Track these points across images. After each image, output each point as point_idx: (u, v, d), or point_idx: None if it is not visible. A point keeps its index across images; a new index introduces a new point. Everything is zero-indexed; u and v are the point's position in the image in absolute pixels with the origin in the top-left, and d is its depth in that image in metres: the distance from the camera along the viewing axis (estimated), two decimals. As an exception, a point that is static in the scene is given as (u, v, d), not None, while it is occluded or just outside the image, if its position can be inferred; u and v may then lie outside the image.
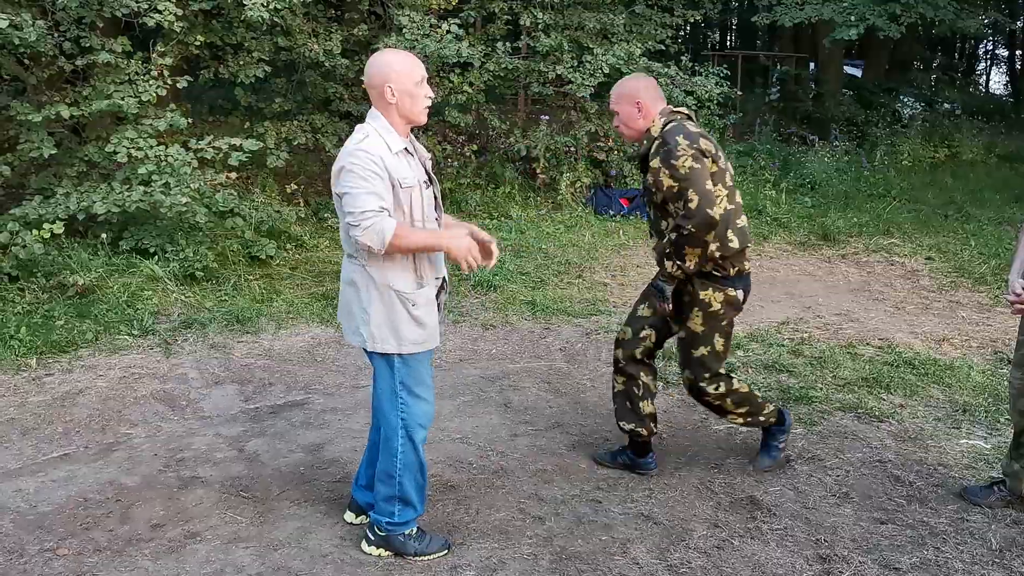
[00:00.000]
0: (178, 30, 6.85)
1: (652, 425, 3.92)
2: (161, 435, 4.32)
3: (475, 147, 10.17)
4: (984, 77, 37.29)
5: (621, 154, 10.47)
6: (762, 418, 3.94)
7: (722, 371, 3.80)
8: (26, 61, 6.98)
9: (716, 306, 3.67)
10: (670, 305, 3.66)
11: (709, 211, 3.43)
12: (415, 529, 3.31)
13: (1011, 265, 3.59)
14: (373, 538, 3.30)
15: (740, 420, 3.92)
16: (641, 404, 3.89)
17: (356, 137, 3.03)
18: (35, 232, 6.04)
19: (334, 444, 4.24)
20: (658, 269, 3.69)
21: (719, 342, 3.73)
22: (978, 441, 4.39)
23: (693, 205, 3.43)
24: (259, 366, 5.26)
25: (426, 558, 3.26)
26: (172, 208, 6.41)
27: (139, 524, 3.49)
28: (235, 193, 7.35)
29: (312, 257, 7.63)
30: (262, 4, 6.96)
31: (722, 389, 3.78)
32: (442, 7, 9.05)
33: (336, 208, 3.09)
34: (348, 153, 2.98)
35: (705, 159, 3.49)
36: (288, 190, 8.76)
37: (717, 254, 3.57)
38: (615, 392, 3.96)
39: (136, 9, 6.63)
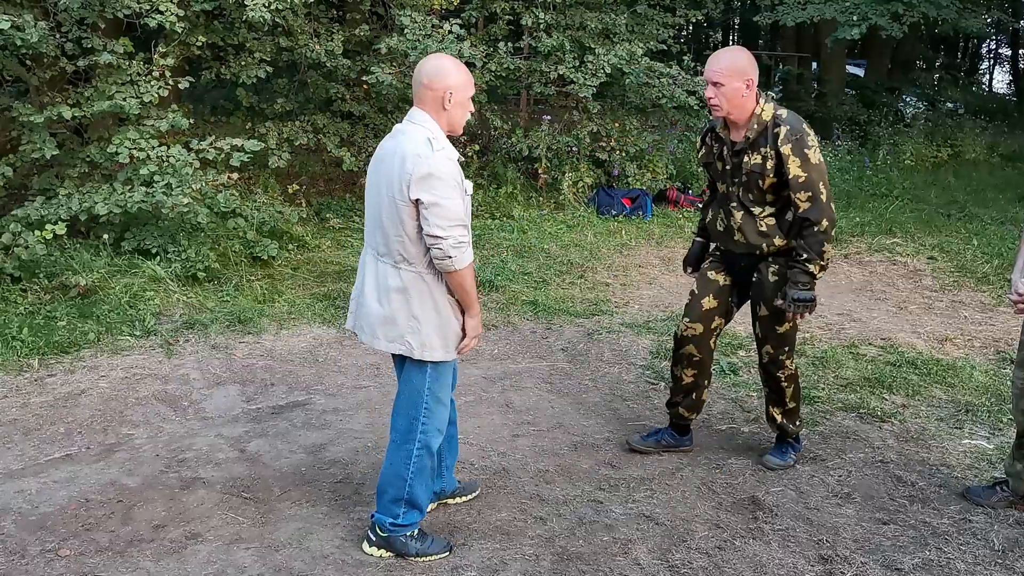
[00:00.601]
0: (180, 31, 6.85)
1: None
2: (163, 436, 4.32)
3: (477, 147, 10.17)
4: (987, 76, 37.27)
5: (623, 154, 10.47)
6: (798, 422, 4.07)
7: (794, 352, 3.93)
8: (28, 62, 6.98)
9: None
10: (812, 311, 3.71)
11: (833, 206, 3.60)
12: (417, 530, 3.31)
13: (1014, 265, 3.59)
14: (375, 539, 3.30)
15: (780, 413, 3.99)
16: (704, 393, 4.13)
17: (434, 142, 2.99)
18: (37, 233, 6.05)
19: (336, 445, 4.24)
20: (749, 245, 3.76)
21: (797, 320, 3.79)
22: (981, 441, 4.39)
23: (824, 199, 3.55)
24: (261, 367, 5.26)
25: (427, 559, 3.26)
26: (174, 209, 6.41)
27: (141, 525, 3.49)
28: (237, 194, 7.36)
29: (314, 258, 7.63)
30: (264, 4, 6.96)
31: (794, 369, 3.91)
32: (444, 7, 9.05)
33: (393, 210, 3.00)
34: (434, 159, 2.95)
35: None
36: (290, 190, 8.76)
37: None
38: (682, 385, 4.07)
39: (138, 10, 6.64)
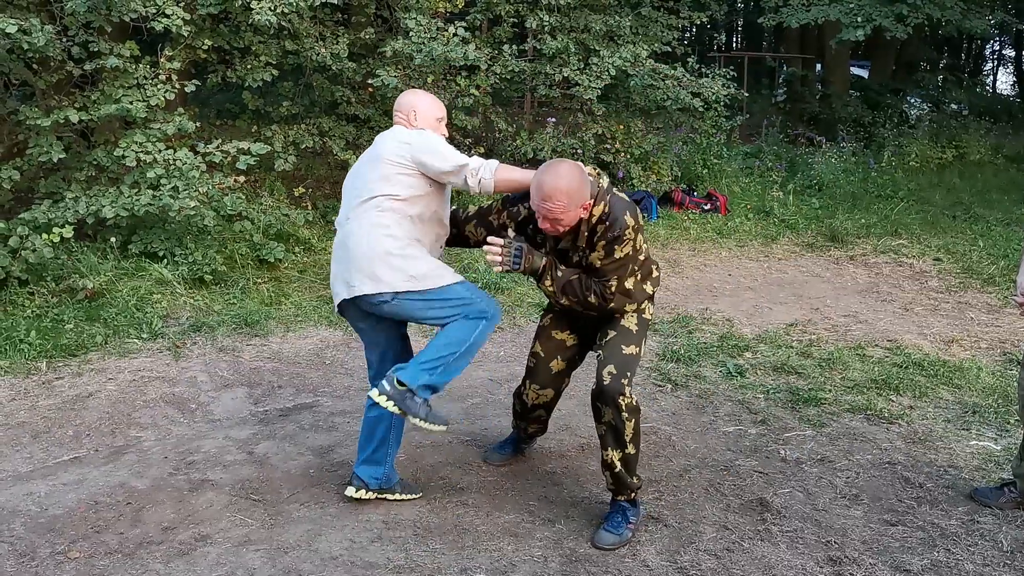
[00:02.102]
0: (186, 34, 6.87)
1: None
2: (171, 438, 4.33)
3: (482, 149, 10.17)
4: (991, 77, 37.23)
5: (628, 156, 10.47)
6: (636, 477, 3.51)
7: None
8: (35, 66, 7.01)
9: (648, 314, 3.62)
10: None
11: (619, 291, 3.50)
12: (429, 399, 3.42)
13: (1019, 266, 3.58)
14: (389, 389, 3.33)
15: (619, 458, 3.41)
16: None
17: (417, 129, 3.49)
18: (44, 236, 6.07)
19: (343, 447, 4.24)
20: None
21: (643, 349, 3.57)
22: (988, 442, 4.38)
23: (613, 285, 3.43)
24: (268, 369, 5.27)
25: (427, 425, 3.35)
26: (181, 212, 6.43)
27: (150, 527, 3.50)
28: (243, 196, 7.37)
29: (320, 260, 7.64)
30: (269, 8, 6.98)
31: (635, 402, 3.40)
32: (448, 10, 9.06)
33: (384, 171, 3.35)
34: (416, 132, 3.43)
35: None
36: (296, 193, 8.77)
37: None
38: (527, 433, 4.05)
39: (144, 14, 6.66)
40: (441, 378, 3.39)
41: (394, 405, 3.32)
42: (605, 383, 3.38)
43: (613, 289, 3.38)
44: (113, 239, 6.74)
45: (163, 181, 6.54)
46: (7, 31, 5.91)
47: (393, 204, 3.33)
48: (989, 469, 4.09)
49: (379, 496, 3.67)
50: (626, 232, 3.28)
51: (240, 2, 7.01)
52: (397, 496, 3.68)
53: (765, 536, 3.49)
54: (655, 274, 3.64)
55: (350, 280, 3.37)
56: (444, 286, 3.39)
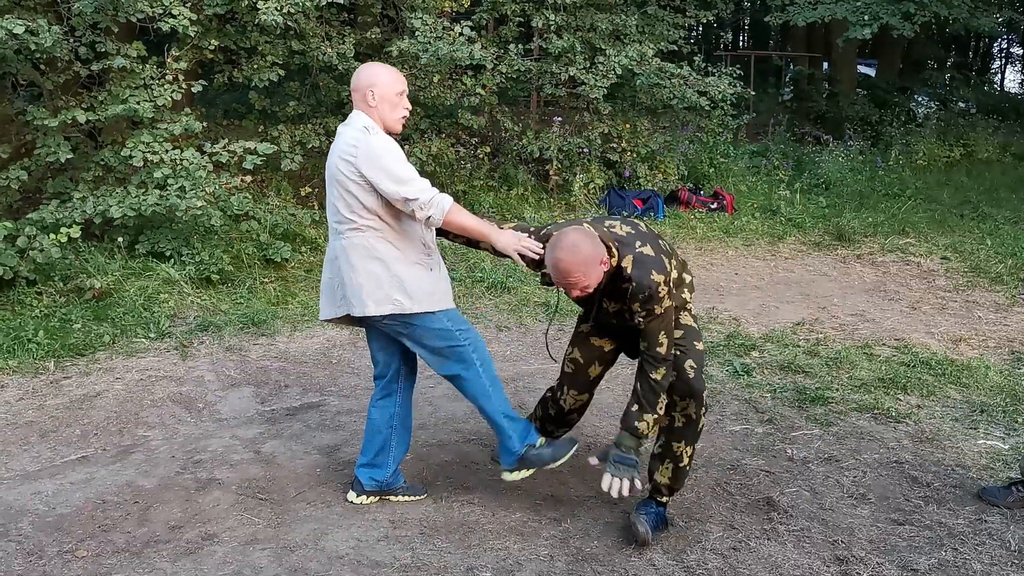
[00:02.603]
0: (192, 34, 6.89)
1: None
2: (178, 437, 4.35)
3: (488, 149, 10.18)
4: (999, 75, 37.10)
5: (634, 155, 10.47)
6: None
7: None
8: (42, 66, 7.04)
9: (693, 312, 3.67)
10: None
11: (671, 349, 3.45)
12: (540, 439, 3.49)
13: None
14: (511, 461, 3.46)
15: (690, 454, 3.50)
16: None
17: (363, 127, 3.27)
18: (52, 236, 6.09)
19: (350, 446, 4.25)
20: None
21: (703, 344, 3.63)
22: (996, 441, 4.37)
23: (664, 349, 3.37)
24: (275, 368, 5.28)
25: (559, 463, 3.45)
26: (187, 211, 6.45)
27: (157, 526, 3.51)
28: (250, 196, 7.39)
29: (326, 260, 7.65)
30: (276, 8, 7.00)
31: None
32: (454, 10, 9.07)
33: (339, 192, 3.28)
34: (369, 139, 3.22)
35: None
36: (303, 193, 8.79)
37: None
38: (553, 437, 3.90)
39: (151, 14, 6.68)
40: (515, 429, 3.46)
41: (526, 471, 3.47)
42: (691, 378, 3.39)
43: (664, 353, 3.28)
44: (120, 239, 6.77)
45: (170, 181, 6.57)
46: (15, 32, 5.94)
47: (363, 231, 3.28)
48: (997, 468, 4.08)
49: (382, 498, 3.68)
50: (659, 291, 3.22)
51: (246, 2, 7.03)
52: (400, 498, 3.69)
53: (772, 535, 3.49)
54: (688, 279, 3.59)
55: (336, 301, 3.41)
56: (428, 313, 3.34)
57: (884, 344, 5.83)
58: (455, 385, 3.50)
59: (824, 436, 4.40)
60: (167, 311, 6.08)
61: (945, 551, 3.38)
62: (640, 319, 3.27)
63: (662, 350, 3.27)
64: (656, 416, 3.30)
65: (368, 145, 3.21)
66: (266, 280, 6.89)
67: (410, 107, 3.45)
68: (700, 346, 3.49)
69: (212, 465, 4.04)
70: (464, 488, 3.84)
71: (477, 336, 3.49)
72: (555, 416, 3.85)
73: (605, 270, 3.21)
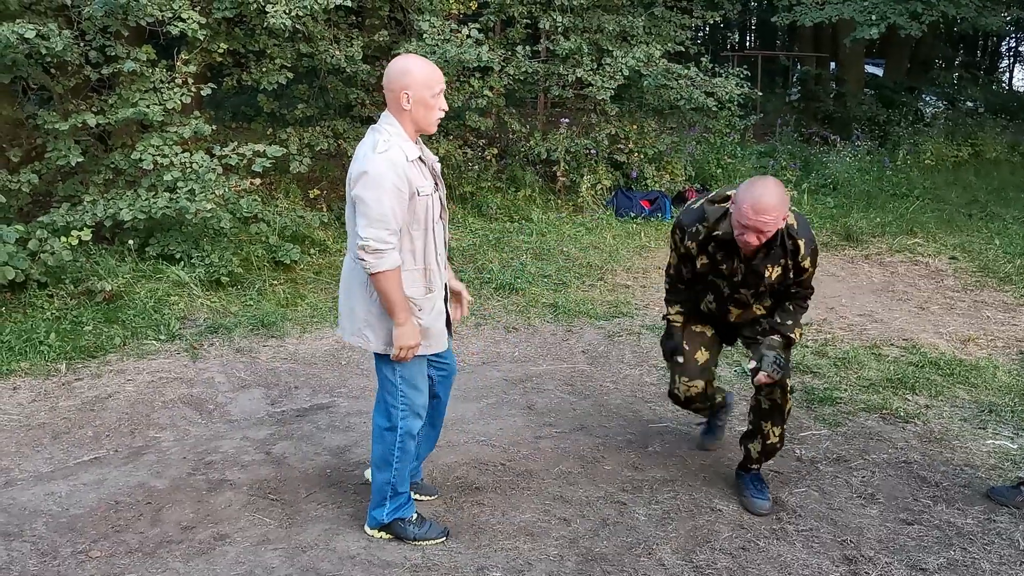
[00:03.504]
0: (201, 38, 6.92)
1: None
2: (189, 438, 4.37)
3: (495, 150, 10.20)
4: (1007, 74, 36.96)
5: (641, 156, 10.47)
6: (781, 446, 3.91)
7: None
8: (52, 70, 7.07)
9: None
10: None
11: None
12: (415, 515, 3.43)
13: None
14: (374, 524, 3.44)
15: (779, 431, 3.72)
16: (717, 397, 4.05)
17: (378, 144, 3.05)
18: (63, 239, 6.13)
19: (360, 447, 4.27)
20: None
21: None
22: (1004, 441, 4.37)
23: (809, 295, 3.71)
24: (284, 370, 5.31)
25: (425, 543, 3.38)
26: (197, 214, 6.48)
27: (169, 526, 3.54)
28: (259, 199, 7.42)
29: (335, 261, 7.67)
30: (284, 11, 7.02)
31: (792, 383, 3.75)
32: (462, 12, 9.09)
33: (347, 208, 3.16)
34: (371, 160, 3.02)
35: None
36: (311, 195, 8.82)
37: None
38: (702, 413, 4.11)
39: (160, 18, 6.71)
40: (393, 504, 3.39)
41: (387, 534, 3.44)
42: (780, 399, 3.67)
43: (808, 297, 3.71)
44: (131, 241, 6.80)
45: (180, 184, 6.60)
46: (26, 36, 5.98)
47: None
48: (1006, 468, 4.08)
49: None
50: (815, 241, 3.58)
51: (255, 5, 7.06)
52: (413, 495, 3.70)
53: (781, 535, 3.50)
54: None
55: (341, 320, 3.37)
56: (384, 356, 3.23)
57: (892, 344, 5.83)
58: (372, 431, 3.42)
59: (833, 436, 4.40)
60: (177, 313, 6.12)
61: (954, 551, 3.38)
62: (807, 275, 3.58)
63: (810, 293, 3.68)
64: (802, 331, 3.68)
65: (365, 164, 3.01)
66: (275, 282, 6.92)
67: (446, 107, 3.21)
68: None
69: (223, 466, 4.06)
70: (474, 488, 3.86)
71: (419, 404, 3.32)
72: (684, 406, 3.94)
73: (782, 226, 3.38)
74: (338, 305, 3.39)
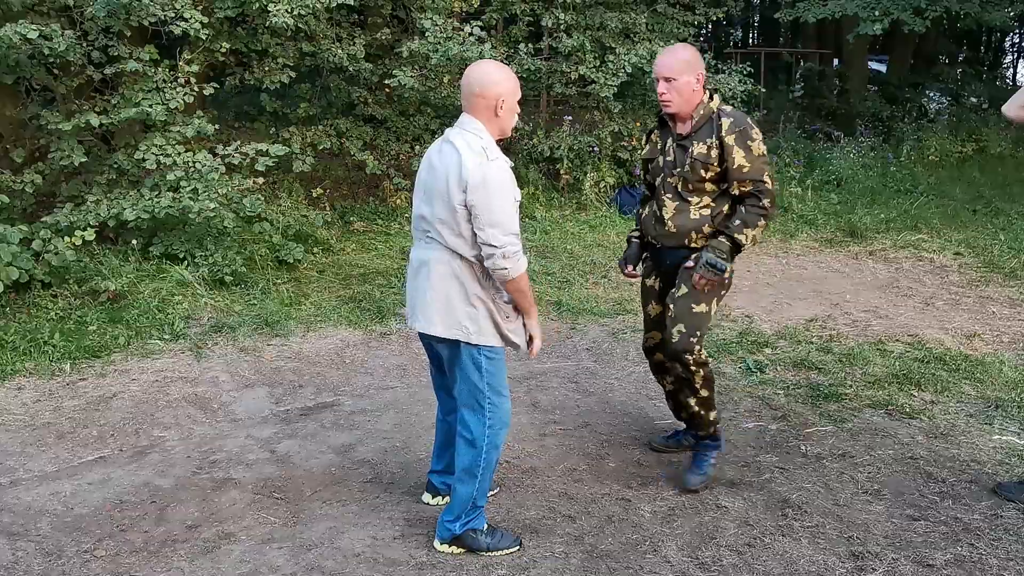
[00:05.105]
0: (204, 37, 6.92)
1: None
2: (194, 438, 4.37)
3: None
4: (1011, 70, 36.85)
5: (644, 153, 10.44)
6: (712, 416, 3.85)
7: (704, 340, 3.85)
8: (55, 71, 7.08)
9: (727, 274, 3.69)
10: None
11: (774, 194, 3.67)
12: (486, 526, 3.35)
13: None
14: (447, 535, 3.33)
15: (695, 402, 3.78)
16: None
17: (487, 150, 3.06)
18: (67, 239, 6.13)
19: (364, 445, 4.27)
20: (689, 245, 3.69)
21: (714, 307, 3.75)
22: (1011, 437, 4.35)
23: (769, 185, 3.61)
24: (289, 369, 5.31)
25: (499, 553, 3.30)
26: (201, 214, 6.48)
27: (174, 525, 3.54)
28: (262, 198, 7.42)
29: (339, 260, 7.68)
30: (286, 10, 7.02)
31: (703, 356, 3.72)
32: (464, 10, 9.09)
33: (450, 213, 3.06)
34: (488, 167, 3.02)
35: None
36: (314, 194, 8.82)
37: None
38: (667, 391, 4.12)
39: (163, 18, 6.71)
40: (467, 516, 3.32)
41: (458, 548, 3.33)
42: (674, 340, 3.67)
43: (771, 184, 3.62)
44: (134, 241, 6.81)
45: (183, 183, 6.60)
46: (29, 37, 5.98)
47: (451, 251, 3.14)
48: (1012, 464, 4.06)
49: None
50: (753, 129, 3.60)
51: (257, 4, 7.06)
52: (430, 502, 3.70)
53: (787, 531, 3.49)
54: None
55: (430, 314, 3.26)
56: (477, 360, 3.24)
57: (897, 340, 5.81)
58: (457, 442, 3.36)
59: (838, 432, 4.39)
60: (181, 313, 6.12)
61: (961, 546, 3.37)
62: (738, 159, 3.56)
63: (768, 181, 3.61)
64: (756, 232, 3.60)
65: (485, 172, 3.00)
66: (279, 281, 6.92)
67: (519, 111, 3.30)
68: (701, 308, 3.69)
69: (228, 465, 4.06)
70: (478, 486, 3.85)
71: (505, 411, 3.34)
72: (648, 358, 4.12)
73: (692, 89, 3.59)
74: (412, 300, 3.27)
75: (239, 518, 3.59)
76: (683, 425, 4.17)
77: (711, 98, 3.68)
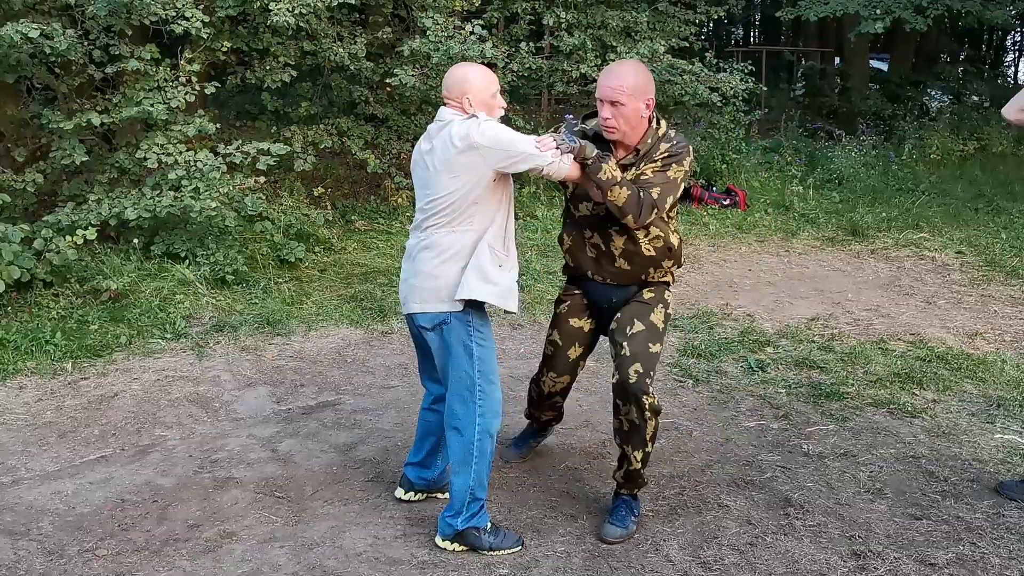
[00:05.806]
0: (205, 36, 6.92)
1: None
2: (195, 437, 4.37)
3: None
4: (1012, 68, 36.82)
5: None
6: (645, 471, 3.50)
7: None
8: (57, 70, 7.08)
9: (670, 310, 3.57)
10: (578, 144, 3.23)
11: (651, 215, 3.30)
12: (489, 524, 3.33)
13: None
14: (449, 533, 3.32)
15: (640, 457, 3.42)
16: None
17: (478, 114, 3.15)
18: (68, 238, 6.13)
19: (366, 444, 4.27)
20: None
21: (663, 345, 3.53)
22: (1013, 436, 4.35)
23: (656, 211, 3.29)
24: (290, 368, 5.31)
25: (500, 553, 3.29)
26: (202, 213, 6.48)
27: (176, 524, 3.54)
28: (263, 197, 7.42)
29: (340, 259, 7.68)
30: (287, 9, 7.02)
31: (658, 403, 3.38)
32: (465, 8, 9.08)
33: (445, 180, 3.12)
34: (479, 122, 3.10)
35: None
36: (315, 193, 8.82)
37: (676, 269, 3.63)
38: (541, 421, 4.04)
39: (164, 17, 6.71)
40: (469, 511, 3.29)
41: (460, 546, 3.32)
42: (631, 381, 3.30)
43: (656, 199, 3.26)
44: (136, 240, 6.81)
45: (184, 183, 6.60)
46: (30, 36, 5.98)
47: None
48: (1014, 463, 4.06)
49: (428, 495, 3.70)
50: (687, 157, 3.35)
51: (258, 3, 7.06)
52: (445, 495, 3.66)
53: (788, 531, 3.48)
54: (681, 258, 3.64)
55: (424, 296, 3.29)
56: (468, 350, 3.25)
57: (899, 339, 5.81)
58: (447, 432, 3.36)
59: (840, 431, 4.39)
60: (182, 312, 6.12)
61: (963, 545, 3.37)
62: (652, 170, 3.31)
63: (655, 194, 3.27)
64: (619, 187, 3.23)
65: (482, 126, 3.09)
66: (280, 280, 6.92)
67: (505, 104, 3.35)
68: (656, 348, 3.40)
69: (229, 464, 4.06)
70: (480, 485, 3.84)
71: (496, 400, 3.32)
72: (537, 399, 3.90)
73: (641, 116, 3.30)
74: (406, 288, 3.28)
75: (241, 517, 3.59)
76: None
77: (658, 123, 3.41)
